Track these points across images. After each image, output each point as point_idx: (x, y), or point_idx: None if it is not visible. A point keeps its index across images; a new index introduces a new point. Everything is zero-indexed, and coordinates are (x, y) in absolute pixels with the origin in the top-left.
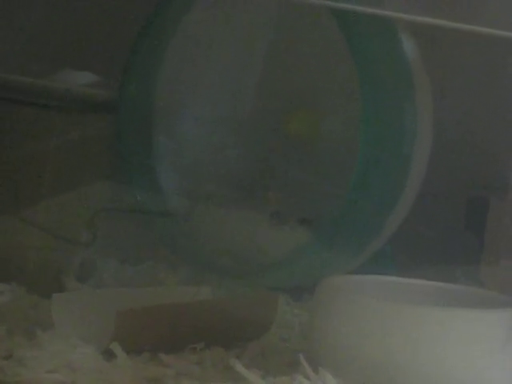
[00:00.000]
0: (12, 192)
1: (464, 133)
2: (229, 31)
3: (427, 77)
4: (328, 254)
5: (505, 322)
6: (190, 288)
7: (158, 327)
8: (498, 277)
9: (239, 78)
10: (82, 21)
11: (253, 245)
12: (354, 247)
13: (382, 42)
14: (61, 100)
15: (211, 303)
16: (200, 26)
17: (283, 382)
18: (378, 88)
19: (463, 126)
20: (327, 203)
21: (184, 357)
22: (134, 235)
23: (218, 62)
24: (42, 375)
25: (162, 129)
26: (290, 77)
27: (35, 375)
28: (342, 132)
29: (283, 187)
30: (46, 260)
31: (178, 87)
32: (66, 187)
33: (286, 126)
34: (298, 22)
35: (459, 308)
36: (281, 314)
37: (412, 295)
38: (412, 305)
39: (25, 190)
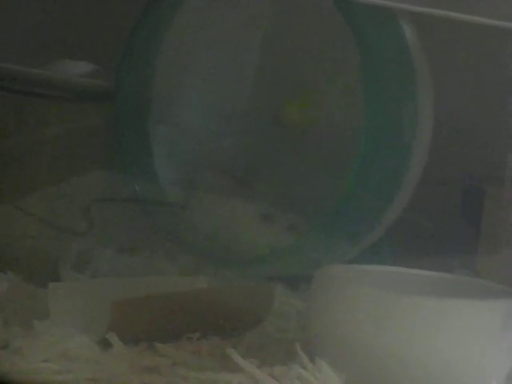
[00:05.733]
0: (8, 181)
1: (460, 123)
2: (227, 19)
3: (428, 66)
4: (326, 243)
5: (501, 312)
6: (187, 278)
7: (155, 317)
8: (494, 267)
9: (237, 66)
10: (80, 10)
11: (248, 234)
12: (353, 237)
13: (383, 31)
14: (58, 90)
15: (208, 293)
16: (197, 14)
17: (280, 372)
18: (379, 77)
19: (459, 116)
20: (325, 193)
21: (180, 346)
22: (131, 225)
23: (215, 50)
24: (39, 364)
25: (159, 118)
26: (289, 65)
27: (31, 365)
28: (340, 121)
29: (280, 176)
30: (42, 249)
31: (175, 76)
32: (62, 176)
33: (284, 114)
34: (298, 9)
35: (456, 298)
36: (278, 303)
37: (409, 285)
38: (408, 294)
39: (21, 179)
